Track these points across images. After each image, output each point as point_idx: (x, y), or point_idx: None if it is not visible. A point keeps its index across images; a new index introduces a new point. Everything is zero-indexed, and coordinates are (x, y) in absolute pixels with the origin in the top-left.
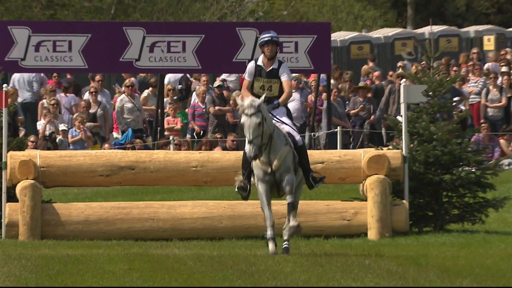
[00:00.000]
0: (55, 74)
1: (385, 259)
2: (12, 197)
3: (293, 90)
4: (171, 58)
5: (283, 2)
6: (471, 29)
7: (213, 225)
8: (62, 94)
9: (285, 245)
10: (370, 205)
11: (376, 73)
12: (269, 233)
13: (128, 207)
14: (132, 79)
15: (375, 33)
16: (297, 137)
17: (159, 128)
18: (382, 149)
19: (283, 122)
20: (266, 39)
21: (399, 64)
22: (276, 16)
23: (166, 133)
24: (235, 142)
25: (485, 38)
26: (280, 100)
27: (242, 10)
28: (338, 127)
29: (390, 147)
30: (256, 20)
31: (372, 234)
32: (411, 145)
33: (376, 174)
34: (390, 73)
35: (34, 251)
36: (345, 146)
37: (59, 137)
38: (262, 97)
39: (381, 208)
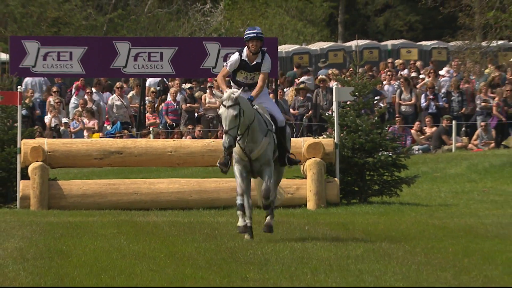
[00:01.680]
0: (82, 78)
1: (321, 225)
2: (25, 176)
3: None
4: (151, 66)
5: (240, 22)
6: (389, 43)
7: (184, 198)
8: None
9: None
10: (309, 182)
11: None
12: (238, 202)
13: (117, 184)
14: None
15: (313, 46)
16: (280, 118)
17: (142, 121)
18: (318, 138)
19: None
20: (251, 35)
21: (329, 71)
22: (235, 33)
23: (147, 125)
24: (201, 132)
25: (404, 50)
26: (253, 93)
27: (208, 27)
28: None
29: (324, 136)
30: (219, 36)
31: (310, 205)
32: (341, 135)
33: (314, 157)
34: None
35: (42, 218)
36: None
37: (62, 128)
38: (240, 91)
39: (317, 184)
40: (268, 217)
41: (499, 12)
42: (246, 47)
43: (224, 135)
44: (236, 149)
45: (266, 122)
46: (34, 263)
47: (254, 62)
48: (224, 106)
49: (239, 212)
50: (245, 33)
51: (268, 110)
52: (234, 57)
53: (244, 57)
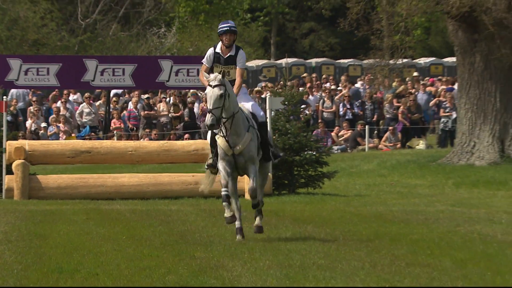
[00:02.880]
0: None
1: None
2: (9, 171)
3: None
4: (115, 79)
5: (189, 43)
6: (313, 61)
7: (142, 190)
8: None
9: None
10: (246, 176)
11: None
12: (222, 193)
13: (86, 178)
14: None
15: (250, 63)
16: (260, 113)
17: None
18: None
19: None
20: (224, 29)
21: (263, 84)
22: (185, 52)
23: (112, 129)
24: (157, 135)
25: (325, 67)
26: (234, 90)
27: (162, 48)
28: None
29: None
30: (172, 54)
31: (247, 196)
32: (274, 137)
33: None
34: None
35: (24, 207)
36: None
37: (41, 132)
38: (221, 75)
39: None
40: (257, 218)
41: (404, 35)
42: (220, 41)
43: (208, 114)
44: (221, 143)
45: (247, 119)
46: (17, 244)
47: (228, 55)
48: (210, 86)
49: (224, 204)
50: (219, 27)
51: (248, 108)
52: (209, 52)
53: (218, 50)
